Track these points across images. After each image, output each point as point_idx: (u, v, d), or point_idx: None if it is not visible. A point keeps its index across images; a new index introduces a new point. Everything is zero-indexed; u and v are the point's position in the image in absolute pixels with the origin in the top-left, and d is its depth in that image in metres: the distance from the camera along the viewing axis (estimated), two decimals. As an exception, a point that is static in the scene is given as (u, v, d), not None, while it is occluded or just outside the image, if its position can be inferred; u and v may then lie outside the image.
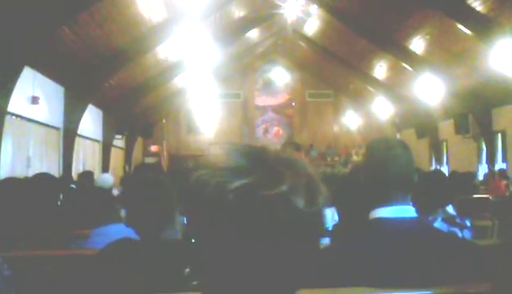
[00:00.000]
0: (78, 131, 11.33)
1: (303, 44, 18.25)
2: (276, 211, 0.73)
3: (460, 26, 10.15)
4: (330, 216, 2.97)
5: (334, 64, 18.17)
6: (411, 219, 1.65)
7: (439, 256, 1.58)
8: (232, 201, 0.73)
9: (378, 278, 1.52)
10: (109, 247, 1.89)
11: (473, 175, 9.74)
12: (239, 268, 0.76)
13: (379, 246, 1.59)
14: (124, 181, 6.48)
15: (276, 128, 21.65)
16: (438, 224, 2.88)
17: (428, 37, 11.94)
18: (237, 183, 0.73)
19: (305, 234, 0.77)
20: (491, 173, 10.82)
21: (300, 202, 0.75)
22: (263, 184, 0.74)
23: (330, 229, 2.94)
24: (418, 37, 12.15)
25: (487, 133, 13.11)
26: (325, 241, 2.96)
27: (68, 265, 2.45)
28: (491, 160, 12.99)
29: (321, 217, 0.80)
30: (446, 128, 15.35)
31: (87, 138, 12.80)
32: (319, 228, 0.80)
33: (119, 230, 2.24)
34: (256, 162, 0.77)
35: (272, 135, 21.55)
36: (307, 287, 0.85)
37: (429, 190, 2.96)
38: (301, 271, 0.79)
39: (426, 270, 1.53)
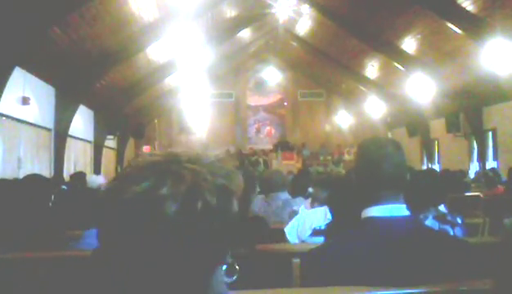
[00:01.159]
0: (70, 132, 11.27)
1: (294, 44, 18.26)
2: (148, 215, 0.78)
3: (450, 26, 10.21)
4: (323, 215, 2.98)
5: (325, 64, 18.20)
6: (403, 217, 1.65)
7: (431, 254, 1.59)
8: (117, 207, 0.80)
9: (370, 276, 1.53)
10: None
11: (465, 173, 9.80)
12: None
13: (371, 244, 1.60)
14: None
15: (268, 128, 21.65)
16: (430, 222, 2.89)
17: (419, 36, 11.99)
18: (139, 187, 0.80)
19: (179, 240, 0.79)
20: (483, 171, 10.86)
21: (170, 208, 0.78)
22: (147, 189, 0.79)
23: (323, 228, 2.95)
24: (409, 36, 12.20)
25: (478, 131, 13.20)
26: (319, 240, 2.98)
27: (60, 267, 2.43)
28: (482, 158, 13.08)
29: (194, 223, 0.80)
30: (437, 127, 15.43)
31: (78, 139, 12.73)
32: (195, 236, 0.80)
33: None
34: (152, 170, 0.82)
35: (264, 135, 21.56)
36: None
37: (421, 189, 2.97)
38: (168, 281, 0.80)
39: (418, 268, 1.54)
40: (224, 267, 0.86)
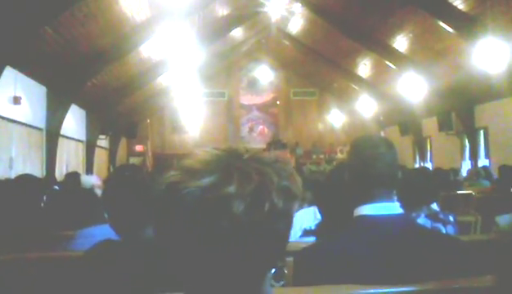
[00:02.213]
0: (62, 132, 11.21)
1: (287, 42, 18.28)
2: (213, 212, 0.76)
3: (442, 24, 10.26)
4: (313, 215, 2.98)
5: (318, 63, 18.22)
6: (396, 216, 1.66)
7: (423, 252, 1.59)
8: (178, 201, 0.77)
9: (363, 274, 1.53)
10: (93, 248, 1.88)
11: (457, 171, 9.85)
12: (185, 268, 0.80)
13: (364, 243, 1.60)
14: (105, 182, 6.42)
15: (261, 127, 21.65)
16: (422, 220, 2.91)
17: (411, 35, 12.04)
18: (192, 184, 0.77)
19: (243, 240, 0.77)
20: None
21: (237, 208, 0.76)
22: (213, 185, 0.77)
23: (313, 228, 2.95)
24: (401, 35, 12.25)
25: (469, 130, 13.27)
26: (310, 240, 2.97)
27: (53, 268, 2.42)
28: (474, 156, 13.16)
29: (263, 227, 0.78)
30: (429, 125, 15.50)
31: (70, 138, 12.67)
32: (259, 237, 0.79)
33: (103, 231, 2.22)
34: (216, 165, 0.80)
35: (257, 134, 21.56)
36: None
37: (414, 187, 2.98)
38: (238, 279, 0.79)
39: (410, 266, 1.55)
40: (273, 271, 0.85)
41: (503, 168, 7.60)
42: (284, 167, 0.85)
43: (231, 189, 0.77)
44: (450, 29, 10.22)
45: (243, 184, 0.77)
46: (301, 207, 3.38)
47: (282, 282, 0.84)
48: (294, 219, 2.94)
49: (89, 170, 13.48)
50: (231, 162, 0.81)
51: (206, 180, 0.77)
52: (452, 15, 9.87)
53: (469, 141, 13.52)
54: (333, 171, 3.23)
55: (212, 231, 0.76)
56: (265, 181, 0.80)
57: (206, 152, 0.84)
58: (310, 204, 3.17)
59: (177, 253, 0.80)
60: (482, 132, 13.12)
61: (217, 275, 0.78)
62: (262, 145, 20.00)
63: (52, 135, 10.78)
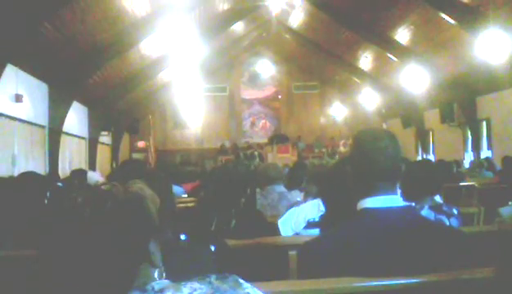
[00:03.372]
0: (64, 129, 11.23)
1: (288, 36, 18.24)
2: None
3: (443, 16, 10.22)
4: (317, 207, 2.99)
5: (319, 56, 18.19)
6: (399, 208, 1.66)
7: (427, 245, 1.60)
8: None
9: (367, 267, 1.53)
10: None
11: (459, 163, 9.84)
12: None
13: (368, 235, 1.60)
14: (110, 177, 6.42)
15: (263, 121, 21.64)
16: (425, 212, 2.90)
17: (412, 27, 12.00)
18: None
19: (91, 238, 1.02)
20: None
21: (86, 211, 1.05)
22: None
23: (316, 220, 2.96)
24: (402, 27, 12.21)
25: (471, 121, 13.25)
26: (314, 232, 2.98)
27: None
28: (476, 148, 13.14)
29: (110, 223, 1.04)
30: (431, 117, 15.48)
31: (72, 135, 12.69)
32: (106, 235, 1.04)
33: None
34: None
35: (259, 128, 21.55)
36: None
37: (417, 179, 2.98)
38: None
39: (414, 259, 1.55)
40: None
41: (507, 159, 7.59)
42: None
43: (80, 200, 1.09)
44: (451, 21, 10.19)
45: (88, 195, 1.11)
46: (305, 200, 3.39)
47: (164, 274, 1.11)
48: (299, 211, 2.96)
49: (92, 166, 13.51)
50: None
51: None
52: (454, 7, 9.84)
53: (471, 133, 13.49)
54: (337, 165, 3.23)
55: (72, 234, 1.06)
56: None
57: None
58: (314, 197, 3.18)
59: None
60: (484, 124, 13.09)
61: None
62: (264, 140, 20.02)
63: (55, 132, 10.80)
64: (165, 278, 1.09)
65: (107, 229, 1.01)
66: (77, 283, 0.98)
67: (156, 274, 1.09)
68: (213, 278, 1.06)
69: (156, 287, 0.99)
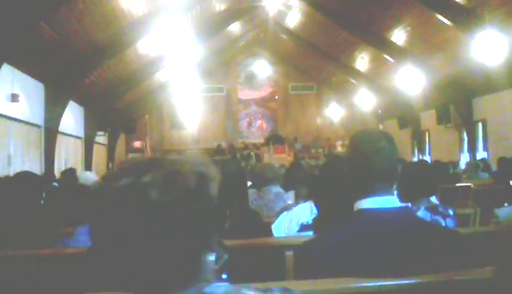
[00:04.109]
0: (60, 129, 11.19)
1: (284, 37, 18.25)
2: (127, 201, 0.86)
3: (440, 17, 10.25)
4: (309, 210, 2.99)
5: (316, 57, 18.21)
6: (395, 209, 1.67)
7: (423, 245, 1.60)
8: (107, 199, 0.89)
9: (364, 267, 1.54)
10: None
11: (455, 164, 9.87)
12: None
13: (365, 236, 1.61)
14: (104, 178, 6.41)
15: (259, 122, 21.65)
16: (422, 212, 2.91)
17: (408, 28, 12.03)
18: (120, 182, 0.89)
19: (162, 222, 0.87)
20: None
21: (153, 194, 0.86)
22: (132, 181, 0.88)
23: (310, 222, 2.96)
24: (399, 28, 12.24)
25: (468, 122, 13.29)
26: (308, 235, 2.98)
27: (53, 265, 2.42)
28: (472, 149, 13.18)
29: (177, 206, 0.88)
30: (427, 118, 15.52)
31: (68, 135, 12.65)
32: (177, 217, 0.88)
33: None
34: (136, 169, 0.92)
35: (256, 129, 21.56)
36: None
37: (413, 180, 2.99)
38: (165, 261, 0.88)
39: (410, 259, 1.55)
40: (213, 257, 0.91)
41: (502, 161, 7.62)
42: (198, 157, 0.98)
43: (145, 178, 0.87)
44: (448, 22, 10.21)
45: (156, 173, 0.88)
46: (297, 203, 3.39)
47: (224, 269, 0.94)
48: (292, 214, 2.95)
49: (88, 166, 13.48)
50: (149, 162, 0.93)
51: (123, 180, 0.89)
52: (450, 8, 9.87)
53: (467, 134, 13.53)
54: (325, 165, 3.23)
55: (135, 220, 0.85)
56: (175, 168, 0.91)
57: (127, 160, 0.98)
58: (305, 199, 3.18)
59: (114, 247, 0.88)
60: (480, 125, 13.14)
61: (150, 260, 0.86)
62: (261, 140, 20.02)
63: (51, 132, 10.77)
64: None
65: (178, 212, 0.88)
66: (136, 274, 0.87)
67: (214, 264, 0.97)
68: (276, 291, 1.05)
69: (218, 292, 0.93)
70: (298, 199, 3.42)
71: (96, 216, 0.90)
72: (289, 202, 3.95)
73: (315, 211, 2.79)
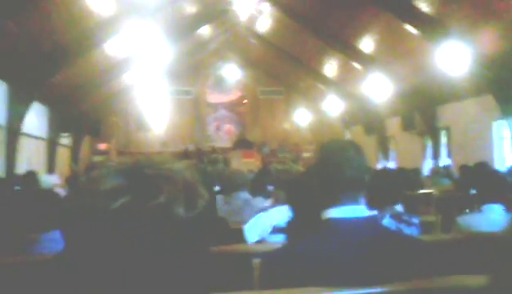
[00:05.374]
0: (23, 130, 10.90)
1: (255, 41, 18.30)
2: (156, 222, 0.79)
3: (407, 26, 10.46)
4: (284, 213, 3.01)
5: (285, 62, 18.31)
6: (363, 218, 1.69)
7: (388, 255, 1.63)
8: (114, 220, 0.78)
9: (331, 277, 1.55)
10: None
11: (419, 171, 10.07)
12: (133, 283, 0.79)
13: (331, 246, 1.62)
14: (72, 182, 6.27)
15: (227, 126, 21.61)
16: (387, 221, 2.96)
17: (376, 36, 12.25)
18: (117, 203, 0.79)
19: (190, 239, 0.82)
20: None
21: (180, 210, 0.80)
22: (141, 199, 0.79)
23: (283, 225, 2.97)
24: (367, 36, 12.45)
25: (432, 130, 13.59)
26: (280, 237, 3.00)
27: (18, 273, 2.35)
28: (435, 156, 13.49)
29: (202, 219, 0.84)
30: (393, 125, 15.79)
31: (31, 136, 12.32)
32: (202, 230, 0.84)
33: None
34: (132, 180, 0.82)
35: (224, 133, 21.51)
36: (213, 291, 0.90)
37: (379, 189, 3.04)
38: (194, 276, 0.83)
39: (376, 269, 1.57)
40: None
41: (463, 168, 7.82)
42: (173, 161, 0.90)
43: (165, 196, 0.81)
44: (414, 31, 10.44)
45: (172, 190, 0.82)
46: (274, 206, 3.41)
47: None
48: (266, 216, 2.96)
49: (51, 169, 13.16)
50: (141, 175, 0.84)
51: (128, 197, 0.80)
52: (416, 18, 10.09)
53: (431, 141, 13.84)
54: (305, 173, 3.26)
55: (143, 242, 0.79)
56: (183, 179, 0.85)
57: (111, 170, 0.86)
58: (284, 203, 3.20)
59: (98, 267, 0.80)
60: (444, 132, 13.45)
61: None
62: (229, 144, 19.99)
63: (13, 132, 10.46)
64: None
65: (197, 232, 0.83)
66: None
67: None
68: None
69: None
70: (277, 202, 3.44)
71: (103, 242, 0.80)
72: (266, 204, 3.95)
73: (290, 214, 2.81)
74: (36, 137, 12.75)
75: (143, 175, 0.83)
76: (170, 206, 0.80)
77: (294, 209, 2.62)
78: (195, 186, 0.85)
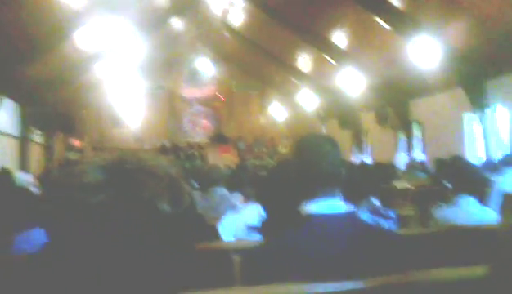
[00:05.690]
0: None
1: (228, 35, 18.21)
2: (139, 218, 0.78)
3: (378, 20, 10.55)
4: (257, 212, 3.00)
5: (259, 56, 18.28)
6: (341, 214, 1.70)
7: (368, 249, 1.64)
8: (96, 214, 0.78)
9: (312, 273, 1.55)
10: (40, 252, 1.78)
11: (394, 165, 10.19)
12: (116, 279, 0.78)
13: (311, 242, 1.62)
14: (45, 180, 6.14)
15: (203, 121, 21.50)
16: (364, 215, 2.98)
17: (349, 30, 12.32)
18: (97, 198, 0.78)
19: (176, 234, 0.83)
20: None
21: (164, 206, 0.80)
22: (124, 194, 0.79)
23: (257, 224, 2.96)
24: (339, 30, 12.51)
25: (404, 124, 13.77)
26: (256, 237, 2.98)
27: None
28: (409, 149, 13.67)
29: (188, 215, 0.84)
30: (368, 119, 15.93)
31: (2, 134, 12.02)
32: (187, 226, 0.84)
33: (43, 235, 2.12)
34: (115, 175, 0.82)
35: (200, 128, 21.39)
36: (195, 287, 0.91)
37: (355, 182, 3.06)
38: (179, 272, 0.83)
39: (356, 264, 1.58)
40: None
41: (438, 162, 7.92)
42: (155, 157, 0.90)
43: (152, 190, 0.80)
44: (385, 25, 10.53)
45: (156, 186, 0.81)
46: (246, 204, 3.39)
47: None
48: (238, 217, 2.94)
49: (24, 167, 12.86)
50: (123, 170, 0.83)
51: (110, 193, 0.79)
52: (387, 12, 10.19)
53: (405, 135, 14.01)
54: (275, 168, 3.25)
55: (127, 238, 0.78)
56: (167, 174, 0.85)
57: (92, 165, 0.84)
58: (255, 200, 3.19)
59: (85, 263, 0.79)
60: (416, 126, 13.63)
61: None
62: (205, 140, 19.90)
63: (-18, 130, 10.20)
64: None
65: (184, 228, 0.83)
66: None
67: None
68: None
69: None
70: (248, 200, 3.43)
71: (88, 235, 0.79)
72: (237, 203, 3.94)
73: (262, 213, 2.80)
74: (7, 134, 12.44)
75: (126, 170, 0.82)
76: (154, 201, 0.79)
77: (266, 207, 2.61)
78: (180, 182, 0.85)
